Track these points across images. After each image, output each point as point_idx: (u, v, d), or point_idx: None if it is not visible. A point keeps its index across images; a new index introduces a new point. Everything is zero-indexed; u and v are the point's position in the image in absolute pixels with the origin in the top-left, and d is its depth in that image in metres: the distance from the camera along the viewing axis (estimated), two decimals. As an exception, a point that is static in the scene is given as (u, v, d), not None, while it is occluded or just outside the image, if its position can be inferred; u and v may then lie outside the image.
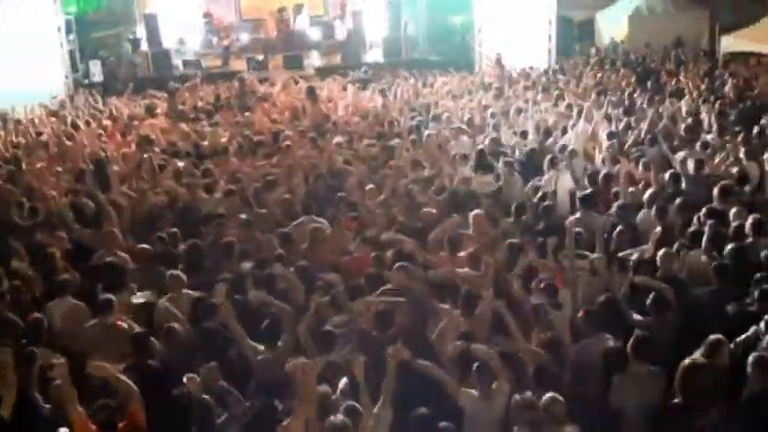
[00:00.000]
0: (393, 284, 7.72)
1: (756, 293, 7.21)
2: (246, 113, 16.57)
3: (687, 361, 6.04)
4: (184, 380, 6.08)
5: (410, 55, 26.38)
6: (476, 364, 6.09)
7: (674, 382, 6.07)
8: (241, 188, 10.76)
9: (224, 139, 14.25)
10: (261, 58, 25.54)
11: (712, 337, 6.35)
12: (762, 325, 6.68)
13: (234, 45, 27.33)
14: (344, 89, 19.29)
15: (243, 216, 9.73)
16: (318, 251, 8.93)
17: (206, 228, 9.71)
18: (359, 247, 9.04)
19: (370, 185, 10.86)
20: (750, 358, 6.13)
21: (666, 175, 10.49)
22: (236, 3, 28.73)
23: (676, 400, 5.99)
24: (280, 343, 6.94)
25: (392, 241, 8.83)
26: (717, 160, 11.26)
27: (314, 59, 26.54)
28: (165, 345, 6.99)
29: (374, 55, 26.84)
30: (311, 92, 17.32)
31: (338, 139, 13.74)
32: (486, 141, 12.94)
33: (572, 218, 9.45)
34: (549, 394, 5.72)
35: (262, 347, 6.93)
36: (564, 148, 12.28)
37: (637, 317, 7.24)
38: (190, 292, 7.90)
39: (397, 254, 8.35)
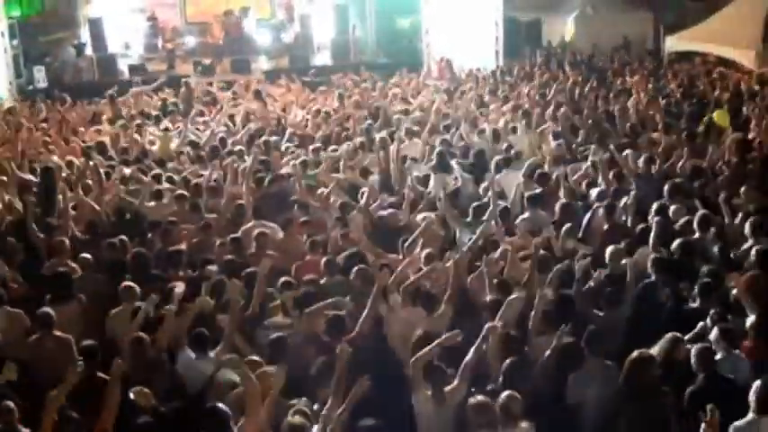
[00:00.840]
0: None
1: (697, 288, 7.35)
2: (195, 119, 16.36)
3: (635, 354, 6.09)
4: (131, 395, 5.86)
5: (358, 58, 26.34)
6: (430, 365, 6.08)
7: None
8: (191, 194, 10.63)
9: (173, 146, 14.07)
10: (208, 62, 25.33)
11: (670, 334, 6.45)
12: (708, 321, 6.79)
13: (179, 49, 27.06)
14: (297, 91, 19.26)
15: (195, 222, 9.64)
16: (267, 256, 8.84)
17: (154, 235, 9.56)
18: (310, 252, 8.99)
19: (322, 189, 10.81)
20: (693, 351, 6.26)
21: (611, 174, 10.62)
22: (182, 6, 28.40)
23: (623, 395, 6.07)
24: (211, 354, 6.78)
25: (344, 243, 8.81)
26: (666, 158, 11.42)
27: (261, 63, 26.38)
28: (131, 356, 6.74)
29: (322, 58, 26.78)
30: (258, 95, 17.19)
31: (288, 143, 13.66)
32: (438, 143, 12.97)
33: (522, 217, 9.55)
34: (505, 393, 5.72)
35: (194, 355, 6.76)
36: (511, 148, 12.35)
37: (591, 312, 7.32)
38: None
39: (350, 257, 8.32)
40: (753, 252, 7.90)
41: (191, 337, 6.80)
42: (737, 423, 5.52)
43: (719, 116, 13.55)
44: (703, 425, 5.13)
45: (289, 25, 28.02)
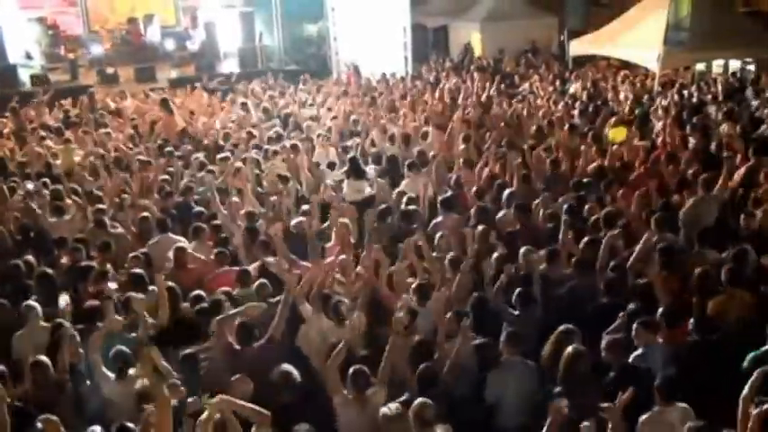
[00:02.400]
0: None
1: (603, 285, 7.58)
2: (99, 130, 15.91)
3: (570, 349, 6.18)
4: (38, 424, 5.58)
5: (266, 65, 26.19)
6: (351, 370, 6.03)
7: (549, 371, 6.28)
8: (96, 209, 10.34)
9: (77, 158, 13.68)
10: (112, 71, 24.77)
11: (562, 326, 6.61)
12: (623, 315, 6.96)
13: (82, 58, 26.39)
14: (207, 100, 19.00)
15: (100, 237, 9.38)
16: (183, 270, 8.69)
17: (60, 252, 9.27)
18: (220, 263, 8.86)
19: (235, 199, 10.66)
20: (603, 343, 6.40)
21: (521, 176, 10.78)
22: (84, 14, 27.76)
23: (558, 389, 6.13)
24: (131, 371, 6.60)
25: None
26: (572, 159, 11.64)
27: (167, 71, 25.95)
28: (32, 379, 6.51)
29: (229, 65, 26.51)
30: (165, 104, 16.87)
31: (196, 153, 13.43)
32: (351, 149, 12.96)
33: (435, 221, 9.60)
34: (418, 400, 5.70)
35: (112, 376, 6.59)
36: (423, 153, 12.41)
37: (506, 312, 7.40)
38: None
39: (262, 268, 8.22)
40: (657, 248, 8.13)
41: (111, 359, 6.61)
42: (644, 416, 5.63)
43: (616, 132, 13.81)
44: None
45: (194, 33, 27.63)
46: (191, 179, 11.95)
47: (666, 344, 6.75)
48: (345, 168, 12.01)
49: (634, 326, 6.68)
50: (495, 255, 8.33)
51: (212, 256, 9.01)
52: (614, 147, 12.14)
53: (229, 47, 26.99)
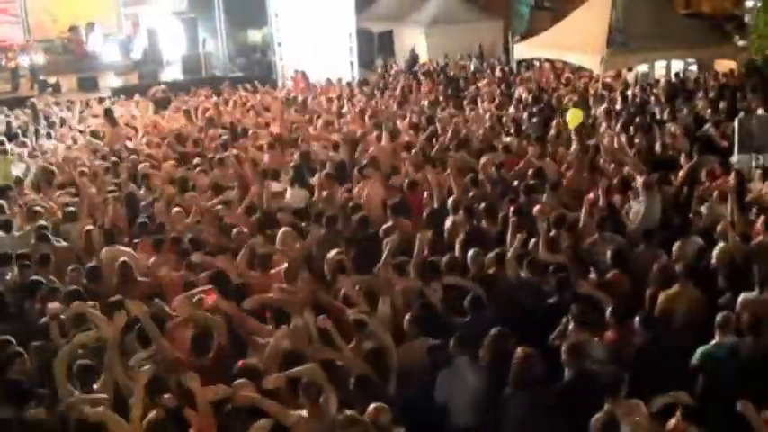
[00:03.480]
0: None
1: (554, 283, 7.64)
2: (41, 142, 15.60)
3: (519, 351, 6.21)
4: None
5: (210, 72, 25.99)
6: (302, 382, 5.94)
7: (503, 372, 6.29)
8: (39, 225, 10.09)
9: (18, 172, 13.37)
10: (53, 80, 24.33)
11: (495, 329, 6.61)
12: (569, 316, 7.00)
13: (24, 68, 25.89)
14: (148, 110, 18.76)
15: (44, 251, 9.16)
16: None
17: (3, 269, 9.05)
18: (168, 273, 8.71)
19: (177, 209, 10.53)
20: (563, 347, 6.42)
21: (468, 180, 10.80)
22: (24, 22, 27.24)
23: (508, 390, 6.19)
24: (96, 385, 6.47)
25: (205, 264, 8.59)
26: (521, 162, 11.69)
27: (110, 80, 25.57)
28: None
29: (173, 73, 26.24)
30: (109, 114, 16.60)
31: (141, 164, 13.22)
32: (296, 156, 12.87)
33: (385, 226, 9.55)
34: (372, 405, 5.67)
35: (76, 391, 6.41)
36: (372, 158, 12.36)
37: (455, 318, 7.40)
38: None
39: (211, 277, 8.11)
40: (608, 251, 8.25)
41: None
42: (596, 416, 5.66)
43: (573, 115, 14.01)
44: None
45: (136, 40, 27.29)
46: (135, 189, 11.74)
47: (612, 342, 6.85)
48: (290, 176, 11.90)
49: (575, 325, 6.79)
50: (446, 258, 8.34)
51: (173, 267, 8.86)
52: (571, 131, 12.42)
53: (173, 54, 26.68)
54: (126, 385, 6.36)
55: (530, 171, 11.06)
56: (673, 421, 5.45)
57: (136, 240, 9.89)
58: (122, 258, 8.80)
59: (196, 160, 13.28)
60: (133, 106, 19.57)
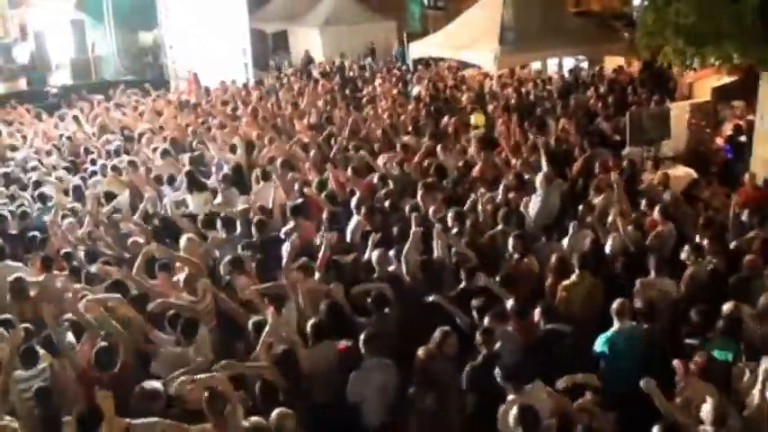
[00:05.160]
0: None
1: (464, 275, 7.77)
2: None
3: (421, 350, 6.32)
4: None
5: (100, 75, 25.31)
6: (205, 394, 5.80)
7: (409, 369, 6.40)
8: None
9: None
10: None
11: (442, 328, 6.69)
12: (474, 313, 7.10)
13: None
14: (36, 117, 18.10)
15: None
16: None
17: None
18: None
19: (70, 219, 10.20)
20: (477, 335, 6.58)
21: (375, 178, 10.80)
22: None
23: (412, 389, 6.26)
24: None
25: (102, 273, 8.35)
26: (416, 159, 11.74)
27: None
28: None
29: (61, 77, 25.44)
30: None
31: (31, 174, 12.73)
32: (187, 161, 12.61)
33: (285, 229, 9.45)
34: (276, 410, 5.64)
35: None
36: (272, 159, 12.21)
37: (359, 318, 7.41)
38: None
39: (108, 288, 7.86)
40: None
41: None
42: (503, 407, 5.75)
43: (477, 118, 14.39)
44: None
45: (23, 44, 26.33)
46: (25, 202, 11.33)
47: (515, 332, 6.97)
48: (184, 184, 11.63)
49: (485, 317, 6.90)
50: (350, 258, 8.36)
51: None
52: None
53: (61, 58, 25.87)
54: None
55: (431, 168, 11.15)
56: (580, 400, 5.60)
57: (27, 255, 9.54)
58: (16, 274, 8.46)
59: (89, 167, 12.85)
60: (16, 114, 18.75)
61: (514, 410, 5.42)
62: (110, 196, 11.19)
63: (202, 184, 11.49)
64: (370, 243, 8.61)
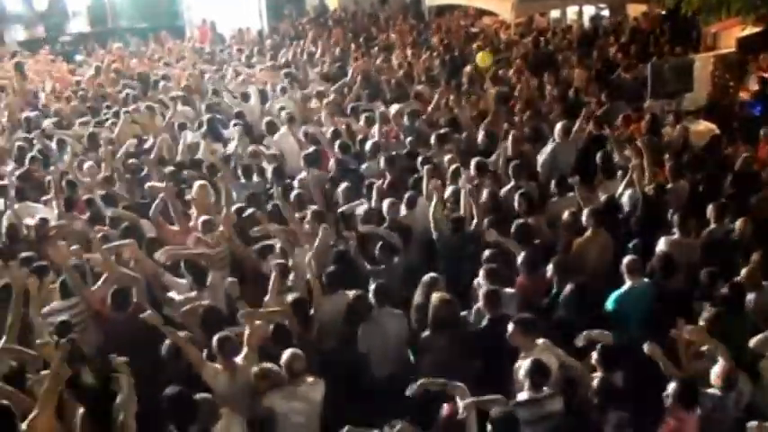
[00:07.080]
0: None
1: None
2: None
3: (437, 296, 6.32)
4: None
5: (117, 23, 25.19)
6: (216, 338, 5.86)
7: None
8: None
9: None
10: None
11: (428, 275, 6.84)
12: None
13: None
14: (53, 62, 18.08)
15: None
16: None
17: None
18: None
19: (90, 163, 10.25)
20: (480, 294, 6.52)
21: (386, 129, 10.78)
22: None
23: (427, 333, 6.30)
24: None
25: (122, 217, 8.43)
26: (429, 109, 11.67)
27: (16, 33, 24.55)
28: None
29: (78, 24, 25.33)
30: (19, 68, 16.02)
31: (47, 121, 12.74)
32: (206, 109, 12.60)
33: (299, 177, 9.49)
34: (288, 351, 5.72)
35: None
36: (283, 109, 12.18)
37: (369, 266, 7.48)
38: None
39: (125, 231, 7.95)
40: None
41: None
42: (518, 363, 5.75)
43: (483, 57, 14.08)
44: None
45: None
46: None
47: (524, 289, 6.92)
48: (203, 129, 11.64)
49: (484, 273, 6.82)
50: (364, 208, 8.39)
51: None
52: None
53: (78, 5, 25.73)
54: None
55: (442, 119, 11.08)
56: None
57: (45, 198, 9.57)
58: (41, 215, 8.58)
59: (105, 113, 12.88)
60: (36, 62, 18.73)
61: (527, 363, 5.46)
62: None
63: (219, 133, 11.59)
64: (374, 192, 8.66)
